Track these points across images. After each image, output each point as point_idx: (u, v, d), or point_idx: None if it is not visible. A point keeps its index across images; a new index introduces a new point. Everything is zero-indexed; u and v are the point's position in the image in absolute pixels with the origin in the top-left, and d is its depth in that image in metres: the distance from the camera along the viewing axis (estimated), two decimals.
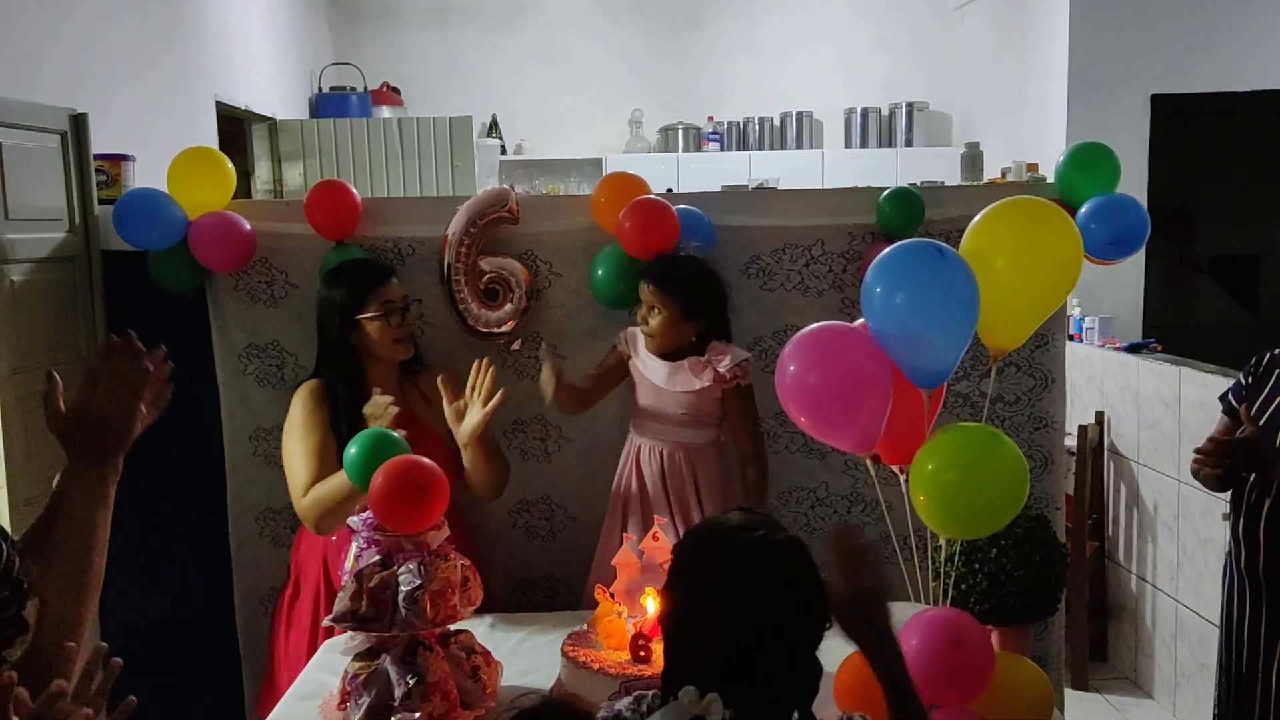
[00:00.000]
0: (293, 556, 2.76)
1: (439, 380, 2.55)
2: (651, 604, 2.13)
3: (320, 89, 6.27)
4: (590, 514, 2.93)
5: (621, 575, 2.25)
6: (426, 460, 2.11)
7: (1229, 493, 2.54)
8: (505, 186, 2.99)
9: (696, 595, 1.35)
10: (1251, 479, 2.46)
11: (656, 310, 2.65)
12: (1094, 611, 4.23)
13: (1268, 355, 2.56)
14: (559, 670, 2.16)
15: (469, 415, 2.53)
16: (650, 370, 2.70)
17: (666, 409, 2.69)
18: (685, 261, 2.69)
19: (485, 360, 2.56)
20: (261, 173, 5.43)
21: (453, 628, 2.14)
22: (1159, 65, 4.95)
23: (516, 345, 2.97)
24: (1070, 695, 3.14)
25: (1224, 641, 2.58)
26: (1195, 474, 2.39)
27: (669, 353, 2.69)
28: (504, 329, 2.90)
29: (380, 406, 2.44)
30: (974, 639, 1.81)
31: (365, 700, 2.03)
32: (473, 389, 2.52)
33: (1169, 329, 4.95)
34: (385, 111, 6.13)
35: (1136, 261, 4.79)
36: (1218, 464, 2.34)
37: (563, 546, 3.03)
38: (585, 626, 2.23)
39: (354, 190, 2.92)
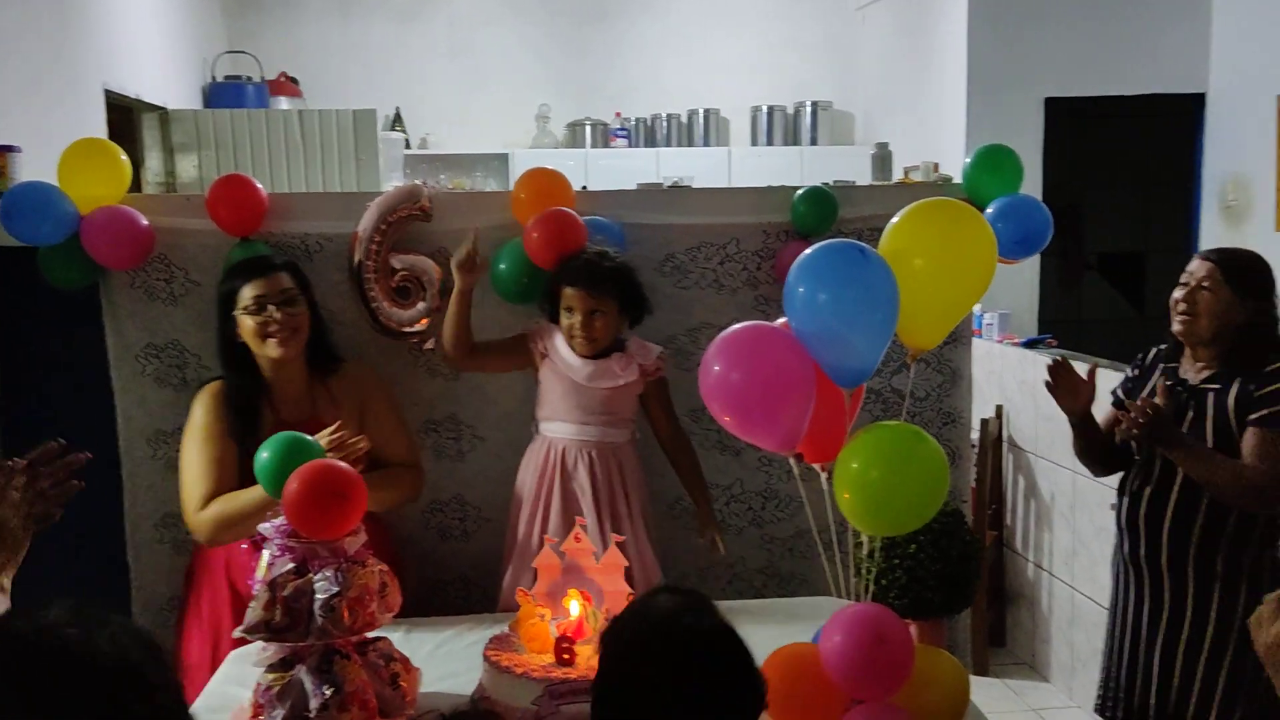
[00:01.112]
0: (193, 564, 2.66)
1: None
2: (575, 606, 2.12)
3: (214, 78, 6.06)
4: (505, 514, 2.89)
5: (543, 577, 2.23)
6: (343, 464, 2.05)
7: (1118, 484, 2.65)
8: (418, 183, 2.93)
9: (628, 684, 1.34)
10: (1133, 471, 2.56)
11: (597, 313, 2.62)
12: (993, 599, 4.35)
13: (1152, 351, 2.68)
14: (480, 675, 2.12)
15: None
16: (570, 369, 2.67)
17: (587, 407, 2.67)
18: (604, 257, 2.68)
19: None
20: (153, 164, 5.22)
21: (370, 635, 2.09)
22: (1052, 69, 5.12)
23: (429, 344, 2.91)
24: (972, 681, 3.21)
25: (1111, 626, 2.69)
26: (1123, 432, 2.42)
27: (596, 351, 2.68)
28: (417, 328, 2.85)
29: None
30: (896, 634, 1.84)
31: (279, 712, 1.96)
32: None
33: (1063, 324, 5.13)
34: (283, 103, 5.95)
35: (1033, 259, 4.94)
36: (1142, 432, 2.38)
37: (477, 547, 2.99)
38: (507, 630, 2.20)
39: (259, 185, 2.83)
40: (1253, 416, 2.34)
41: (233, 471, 2.43)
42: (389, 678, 2.07)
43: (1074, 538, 3.94)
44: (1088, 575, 3.83)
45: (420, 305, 2.84)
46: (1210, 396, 2.42)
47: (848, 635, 1.82)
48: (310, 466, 2.00)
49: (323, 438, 2.30)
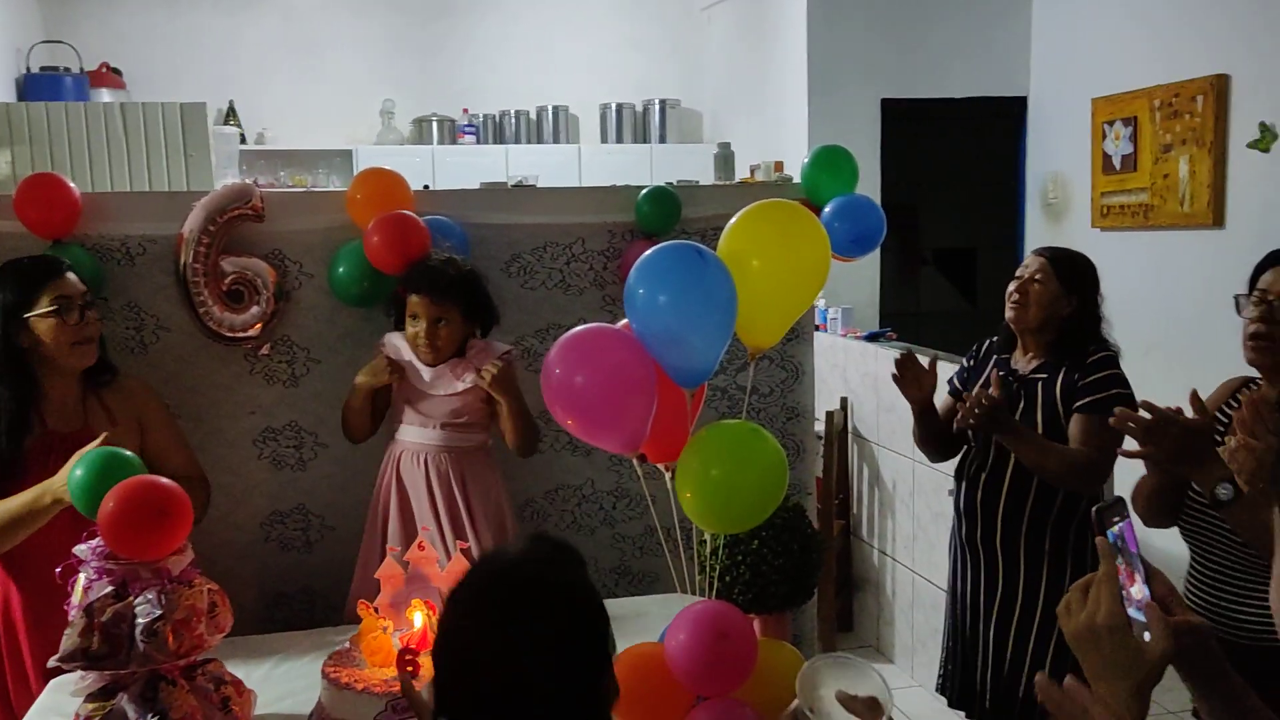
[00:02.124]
0: None
1: None
2: (419, 617, 2.07)
3: (29, 69, 5.68)
4: (349, 523, 2.81)
5: (386, 588, 2.17)
6: (165, 480, 1.95)
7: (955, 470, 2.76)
8: (248, 182, 2.81)
9: (470, 635, 1.29)
10: (970, 454, 2.68)
11: (442, 321, 2.57)
12: (841, 586, 4.48)
13: (986, 342, 2.80)
14: (319, 693, 2.05)
15: None
16: (413, 375, 2.62)
17: (431, 413, 2.61)
18: (449, 264, 2.63)
19: None
20: None
21: (199, 658, 1.99)
22: (887, 71, 5.29)
23: (266, 349, 2.81)
24: None
25: (949, 607, 2.81)
26: (960, 420, 2.52)
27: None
28: (250, 333, 2.74)
29: None
30: (739, 629, 1.86)
31: None
32: None
33: (902, 318, 5.31)
34: (105, 95, 5.62)
35: (872, 255, 5.09)
36: (979, 420, 2.47)
37: (320, 558, 2.90)
38: (348, 644, 2.13)
39: (71, 184, 2.66)
40: (1078, 404, 2.47)
41: None
42: (220, 702, 1.98)
43: (914, 523, 4.09)
44: (927, 559, 3.98)
45: (254, 309, 2.73)
46: (1039, 386, 2.55)
47: (691, 633, 1.83)
48: (128, 484, 1.89)
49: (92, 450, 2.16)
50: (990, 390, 2.44)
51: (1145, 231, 4.46)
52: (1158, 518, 2.15)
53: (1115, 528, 1.14)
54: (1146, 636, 1.08)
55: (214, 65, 6.24)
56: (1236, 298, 2.00)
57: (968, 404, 2.44)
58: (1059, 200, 5.08)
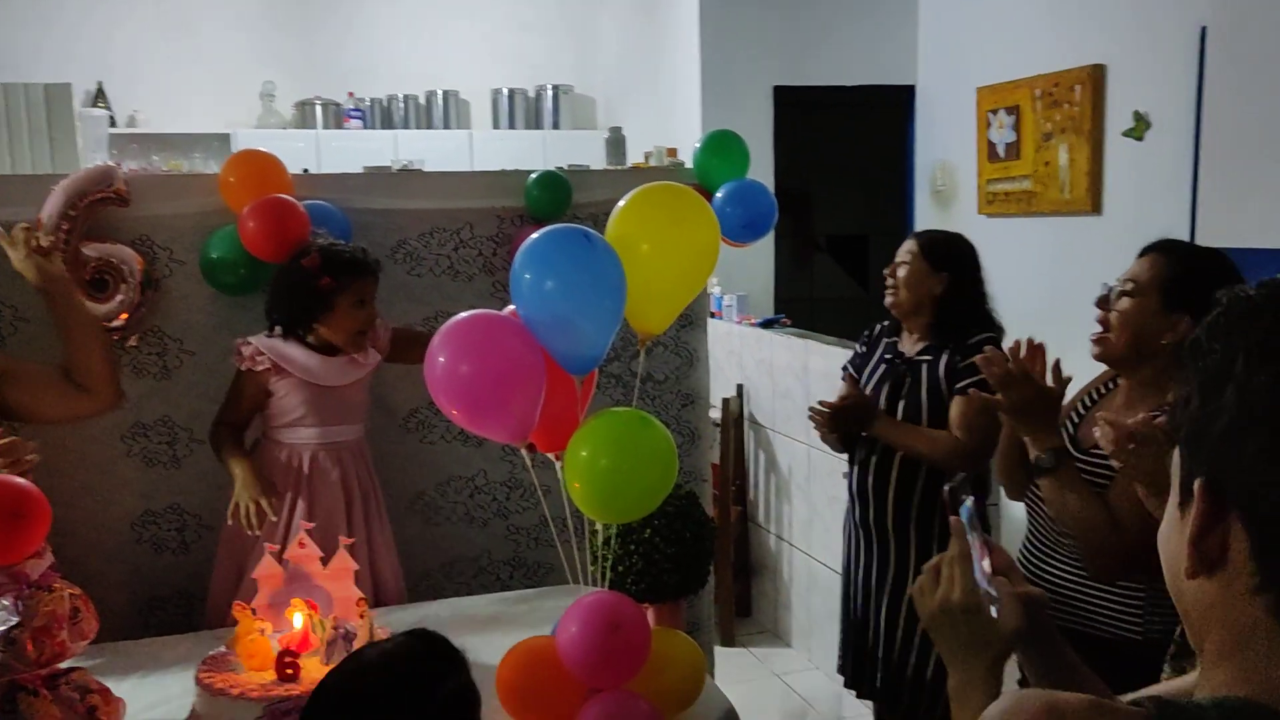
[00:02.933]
0: None
1: None
2: (298, 618, 1.98)
3: None
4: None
5: (264, 589, 2.08)
6: (19, 481, 1.82)
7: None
8: (110, 164, 2.66)
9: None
10: (863, 438, 2.71)
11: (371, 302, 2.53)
12: (739, 571, 4.50)
13: (877, 327, 2.83)
14: (193, 700, 1.95)
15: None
16: (317, 372, 2.49)
17: (332, 410, 2.52)
18: (360, 250, 2.55)
19: None
20: None
21: (62, 666, 1.87)
22: (779, 58, 5.31)
23: (133, 340, 2.66)
24: (720, 652, 3.32)
25: (844, 588, 2.83)
26: (822, 438, 2.60)
27: (324, 346, 2.53)
28: (117, 323, 2.59)
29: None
30: (631, 619, 1.83)
31: None
32: None
33: (796, 304, 5.35)
34: None
35: (767, 241, 5.12)
36: (832, 426, 2.58)
37: (197, 559, 2.76)
38: (224, 648, 2.04)
39: None
40: (959, 385, 2.50)
41: None
42: (85, 711, 1.86)
43: (810, 508, 4.13)
44: (823, 543, 4.03)
45: (119, 298, 2.59)
46: (924, 368, 2.58)
47: (582, 626, 1.80)
48: None
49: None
50: (840, 397, 2.49)
51: (1028, 218, 4.57)
52: (1010, 484, 2.20)
53: (966, 504, 1.15)
54: (994, 611, 1.09)
55: (82, 44, 5.94)
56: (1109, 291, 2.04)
57: (823, 415, 2.50)
58: (947, 187, 5.18)
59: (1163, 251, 1.99)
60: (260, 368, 2.49)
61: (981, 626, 1.10)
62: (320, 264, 2.45)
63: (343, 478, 2.54)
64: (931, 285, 2.61)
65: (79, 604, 1.91)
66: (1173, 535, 0.79)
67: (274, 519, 2.39)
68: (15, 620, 1.76)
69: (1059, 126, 4.34)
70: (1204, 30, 3.56)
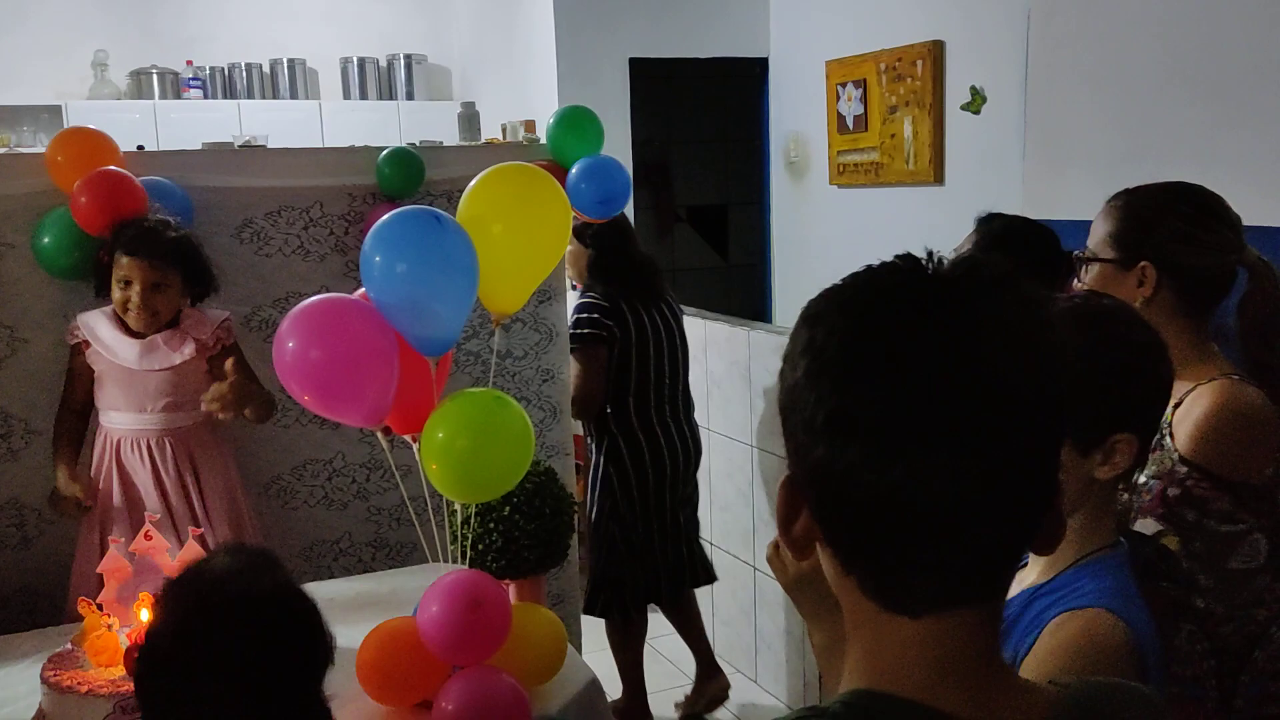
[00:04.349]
0: None
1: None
2: (146, 613, 1.94)
3: None
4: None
5: (110, 582, 2.02)
6: None
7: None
8: None
9: (174, 655, 1.22)
10: None
11: (161, 287, 2.39)
12: None
13: None
14: (40, 699, 1.89)
15: None
16: (118, 353, 2.42)
17: (145, 393, 2.43)
18: (164, 225, 2.44)
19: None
20: None
21: None
22: (634, 30, 5.33)
23: None
24: (585, 620, 3.37)
25: None
26: None
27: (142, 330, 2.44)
28: None
29: None
30: (492, 597, 1.86)
31: None
32: None
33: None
34: None
35: (627, 212, 5.16)
36: None
37: (40, 554, 2.66)
38: (69, 645, 1.98)
39: None
40: None
41: None
42: None
43: None
44: None
45: None
46: None
47: (443, 605, 1.81)
48: None
49: None
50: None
51: (876, 189, 4.74)
52: None
53: None
54: None
55: None
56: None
57: None
58: (800, 159, 5.31)
59: (982, 224, 2.12)
60: (74, 340, 2.46)
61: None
62: (108, 238, 2.41)
63: (157, 464, 2.46)
64: (582, 259, 3.17)
65: None
66: None
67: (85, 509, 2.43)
68: None
69: (903, 100, 4.51)
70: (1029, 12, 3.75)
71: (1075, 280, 1.69)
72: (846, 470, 0.68)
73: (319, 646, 1.28)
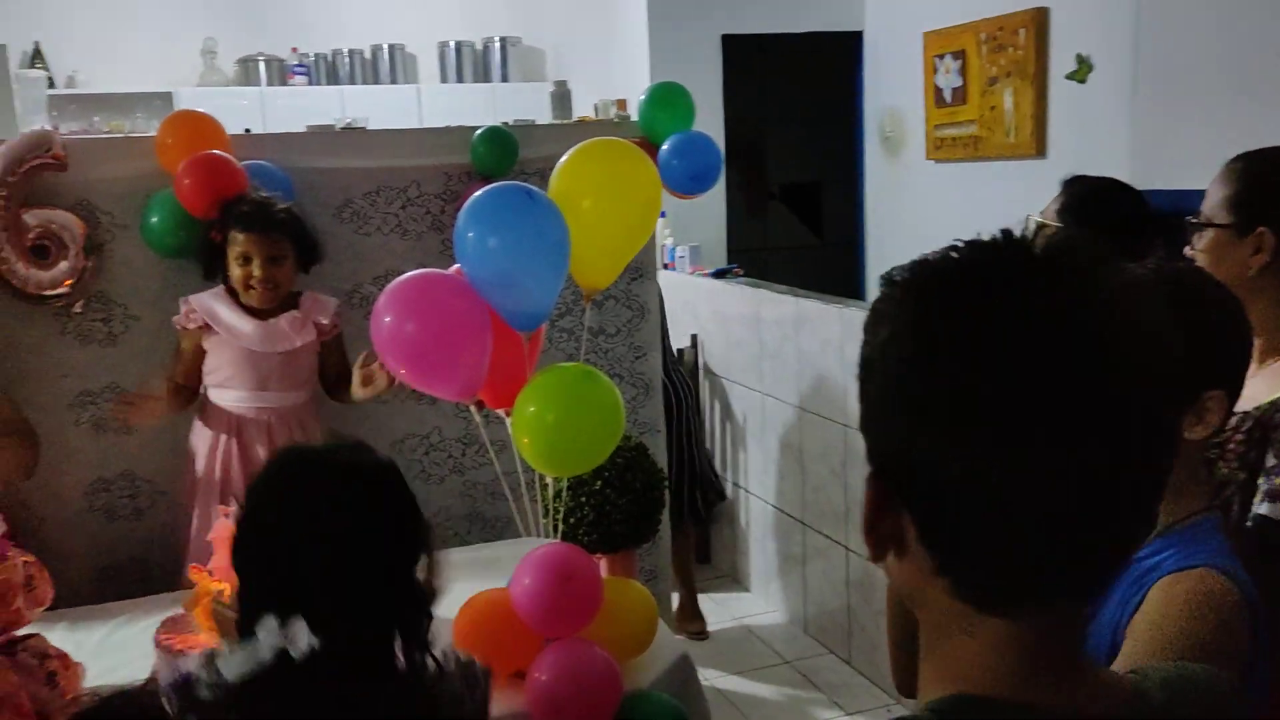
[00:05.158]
0: None
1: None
2: None
3: None
4: (182, 487, 2.70)
5: (220, 551, 2.09)
6: None
7: None
8: (48, 129, 2.62)
9: (275, 519, 1.25)
10: None
11: (278, 259, 2.47)
12: (697, 519, 4.57)
13: None
14: (153, 662, 1.98)
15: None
16: (240, 334, 2.50)
17: (264, 373, 2.52)
18: (272, 200, 2.52)
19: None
20: None
21: (19, 634, 1.89)
22: (727, 6, 5.28)
23: (78, 307, 2.64)
24: (677, 599, 3.39)
25: None
26: None
27: (263, 310, 2.52)
28: (60, 290, 2.57)
29: None
30: (583, 570, 1.88)
31: None
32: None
33: (750, 254, 5.38)
34: None
35: (718, 191, 5.13)
36: None
37: (152, 525, 2.77)
38: (181, 610, 2.06)
39: None
40: None
41: None
42: (45, 677, 1.88)
43: (765, 456, 4.19)
44: (778, 489, 4.09)
45: (63, 265, 2.57)
46: None
47: (535, 577, 1.84)
48: None
49: None
50: None
51: (975, 163, 4.62)
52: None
53: None
54: None
55: (17, 3, 5.78)
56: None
57: None
58: (895, 134, 5.21)
59: (1067, 186, 2.05)
60: (192, 324, 2.52)
61: None
62: (217, 216, 2.47)
63: (268, 440, 2.53)
64: None
65: (33, 572, 1.92)
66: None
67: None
68: None
69: (1004, 70, 4.38)
70: None
71: (1186, 247, 1.62)
72: (965, 469, 0.64)
73: (413, 522, 1.30)
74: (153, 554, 2.74)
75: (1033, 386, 0.63)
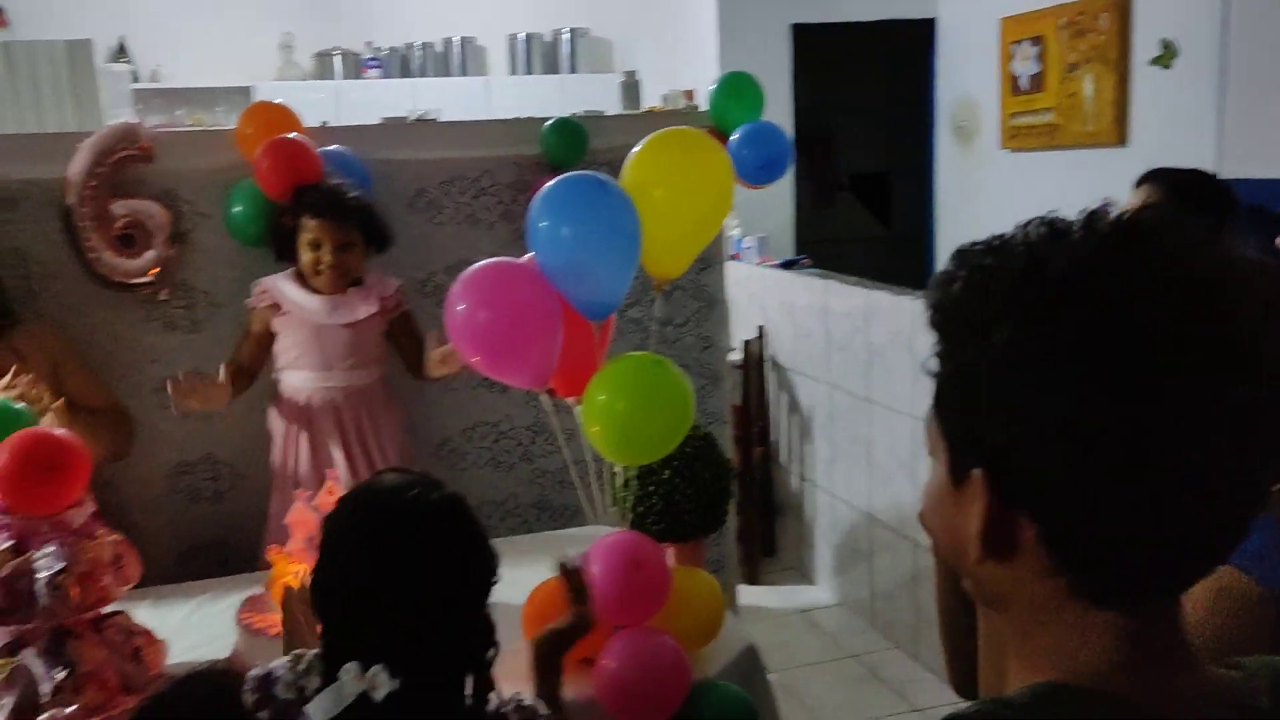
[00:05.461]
0: None
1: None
2: None
3: None
4: (261, 471, 2.76)
5: (297, 532, 2.14)
6: (59, 431, 1.89)
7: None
8: (134, 121, 2.70)
9: (352, 562, 1.28)
10: None
11: (348, 246, 2.52)
12: (763, 511, 4.56)
13: None
14: (235, 640, 2.03)
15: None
16: (306, 308, 2.56)
17: (332, 351, 2.57)
18: (343, 187, 2.57)
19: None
20: None
21: (106, 610, 1.95)
22: None
23: (163, 295, 2.72)
24: (744, 590, 3.38)
25: None
26: None
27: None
28: (146, 278, 2.65)
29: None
30: (652, 559, 1.88)
31: (8, 701, 1.81)
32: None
33: (818, 244, 5.34)
34: None
35: (786, 182, 5.10)
36: None
37: (232, 507, 2.84)
38: (261, 590, 2.11)
39: None
40: None
41: None
42: (130, 653, 1.95)
43: (833, 448, 4.16)
44: (845, 483, 4.06)
45: (149, 254, 2.64)
46: None
47: (604, 564, 1.84)
48: (20, 437, 1.83)
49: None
50: None
51: (1052, 152, 4.53)
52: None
53: None
54: None
55: (102, 0, 5.95)
56: None
57: None
58: (968, 123, 5.12)
59: (1152, 181, 1.99)
60: (263, 304, 2.58)
61: None
62: (289, 201, 2.51)
63: (339, 422, 2.58)
64: None
65: (121, 550, 1.98)
66: (948, 510, 0.73)
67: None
68: (60, 566, 1.83)
69: (1084, 56, 4.28)
70: None
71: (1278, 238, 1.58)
72: (1116, 479, 0.62)
73: (485, 558, 1.32)
74: (232, 536, 2.82)
75: (1198, 400, 0.61)
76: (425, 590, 1.26)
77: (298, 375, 2.60)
